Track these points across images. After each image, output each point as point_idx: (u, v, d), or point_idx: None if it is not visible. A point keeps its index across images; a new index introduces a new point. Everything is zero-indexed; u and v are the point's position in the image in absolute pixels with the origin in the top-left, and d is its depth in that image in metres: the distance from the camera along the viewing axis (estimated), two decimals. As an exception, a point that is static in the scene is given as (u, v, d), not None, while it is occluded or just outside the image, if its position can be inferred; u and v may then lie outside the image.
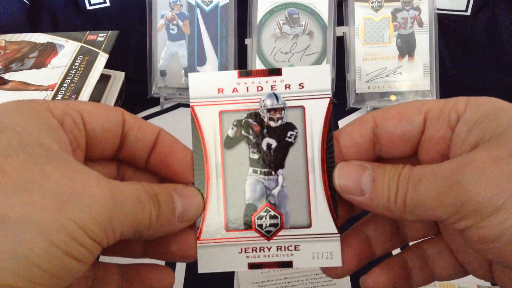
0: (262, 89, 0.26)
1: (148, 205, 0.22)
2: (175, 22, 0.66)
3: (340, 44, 0.67)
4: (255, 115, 0.26)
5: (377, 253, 0.27)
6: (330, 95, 0.26)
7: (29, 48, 0.61)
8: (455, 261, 0.26)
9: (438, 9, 0.68)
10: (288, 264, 0.25)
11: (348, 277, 0.43)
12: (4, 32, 0.64)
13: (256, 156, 0.26)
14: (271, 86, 0.26)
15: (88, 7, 0.76)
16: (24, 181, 0.18)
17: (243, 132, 0.26)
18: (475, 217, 0.20)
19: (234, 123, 0.26)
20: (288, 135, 0.26)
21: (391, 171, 0.23)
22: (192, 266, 0.45)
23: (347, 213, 0.27)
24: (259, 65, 0.66)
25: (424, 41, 0.65)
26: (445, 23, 0.73)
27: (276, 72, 0.26)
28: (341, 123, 0.64)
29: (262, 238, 0.25)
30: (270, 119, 0.26)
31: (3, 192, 0.17)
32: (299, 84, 0.26)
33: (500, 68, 0.71)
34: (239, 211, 0.25)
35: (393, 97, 0.65)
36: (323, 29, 0.66)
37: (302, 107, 0.26)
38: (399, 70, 0.65)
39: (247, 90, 0.26)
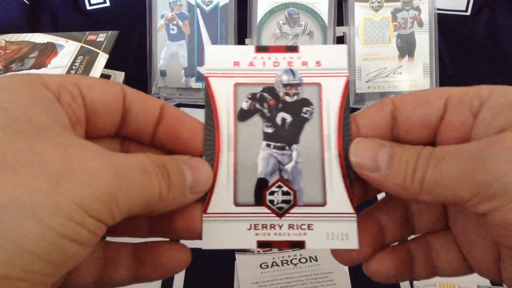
0: (278, 65, 0.26)
1: (156, 176, 0.20)
2: (175, 22, 0.66)
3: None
4: (271, 90, 0.26)
5: (387, 241, 0.27)
6: (347, 74, 0.26)
7: (29, 48, 0.61)
8: (460, 257, 0.26)
9: (438, 9, 0.68)
10: (300, 245, 0.24)
11: (348, 278, 0.43)
12: (4, 32, 0.64)
13: (270, 130, 0.25)
14: (288, 62, 0.26)
15: (88, 7, 0.76)
16: (12, 160, 0.16)
17: (257, 105, 0.25)
18: (502, 198, 0.19)
19: (249, 96, 0.25)
20: (304, 110, 0.25)
21: (410, 149, 0.22)
22: (192, 267, 0.45)
23: (361, 195, 0.26)
24: (259, 65, 0.66)
25: (424, 41, 0.65)
26: (445, 23, 0.73)
27: (294, 49, 0.26)
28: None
29: (273, 215, 0.24)
30: (286, 94, 0.25)
31: None
32: (316, 62, 0.26)
33: (500, 68, 0.71)
34: (249, 185, 0.24)
35: (393, 97, 0.65)
36: (323, 29, 0.66)
37: (319, 84, 0.25)
38: (399, 70, 0.65)
39: (264, 65, 0.26)
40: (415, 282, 0.43)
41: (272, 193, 0.24)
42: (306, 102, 0.25)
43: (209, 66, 0.26)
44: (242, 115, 0.25)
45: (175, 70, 0.67)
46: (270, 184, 0.24)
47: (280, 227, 0.24)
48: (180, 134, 0.24)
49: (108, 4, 0.76)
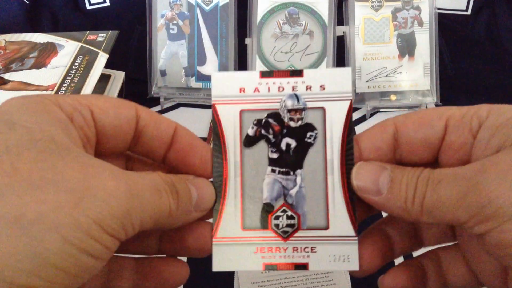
0: (283, 90, 0.26)
1: (166, 194, 0.21)
2: (175, 22, 0.66)
3: (340, 44, 0.67)
4: (276, 115, 0.26)
5: (396, 254, 0.27)
6: (351, 98, 0.26)
7: (29, 48, 0.61)
8: (469, 271, 0.26)
9: (438, 9, 0.68)
10: (303, 267, 0.25)
11: (348, 278, 0.43)
12: (4, 32, 0.64)
13: (275, 156, 0.26)
14: (292, 87, 0.26)
15: (88, 7, 0.76)
16: (37, 179, 0.18)
17: (263, 131, 0.26)
18: (495, 220, 0.19)
19: (255, 122, 0.26)
20: (308, 135, 0.26)
21: (410, 172, 0.23)
22: (192, 267, 0.45)
23: (363, 214, 0.26)
24: (259, 65, 0.66)
25: (424, 41, 0.65)
26: (445, 23, 0.73)
27: (298, 73, 0.26)
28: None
29: (279, 239, 0.25)
30: (290, 119, 0.26)
31: (16, 191, 0.17)
32: (320, 86, 0.26)
33: (500, 68, 0.71)
34: (256, 210, 0.25)
35: (393, 97, 0.65)
36: (323, 29, 0.66)
37: (323, 109, 0.26)
38: (399, 70, 0.65)
39: (268, 90, 0.26)
40: (415, 282, 0.43)
41: (277, 217, 0.25)
42: (310, 127, 0.26)
43: (215, 93, 0.26)
44: (248, 141, 0.26)
45: (175, 69, 0.67)
46: (275, 209, 0.25)
47: (285, 250, 0.25)
48: (190, 161, 0.25)
49: (108, 4, 0.76)
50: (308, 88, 0.26)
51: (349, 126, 0.25)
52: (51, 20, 0.75)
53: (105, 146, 0.23)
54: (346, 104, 0.25)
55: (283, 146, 0.26)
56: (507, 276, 0.24)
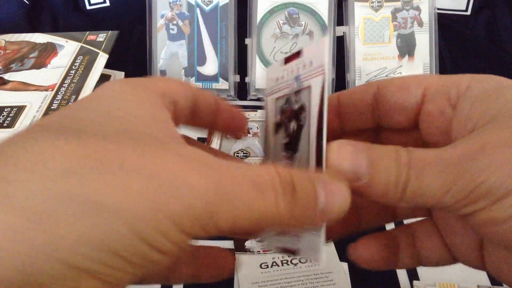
0: (293, 73, 0.26)
1: (274, 193, 0.18)
2: (175, 22, 0.66)
3: (340, 44, 0.67)
4: (288, 100, 0.26)
5: (363, 225, 0.27)
6: (324, 71, 0.23)
7: (29, 48, 0.61)
8: (443, 245, 0.26)
9: (438, 9, 0.68)
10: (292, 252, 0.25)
11: (348, 278, 0.43)
12: (4, 32, 0.64)
13: (286, 141, 0.26)
14: (297, 68, 0.26)
15: (88, 7, 0.76)
16: (118, 164, 0.16)
17: (282, 117, 0.26)
18: (484, 201, 0.19)
19: (279, 109, 0.26)
20: (301, 117, 0.25)
21: (389, 156, 0.21)
22: (192, 266, 0.45)
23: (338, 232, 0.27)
24: (259, 65, 0.66)
25: (424, 41, 0.65)
26: (445, 23, 0.73)
27: (299, 53, 0.26)
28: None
29: None
30: (295, 101, 0.26)
31: (93, 173, 0.16)
32: (310, 62, 0.24)
33: (500, 68, 0.71)
34: None
35: (393, 97, 0.65)
36: (323, 29, 0.66)
37: (309, 87, 0.24)
38: (399, 70, 0.65)
39: (287, 75, 0.26)
40: (415, 282, 0.43)
41: None
42: (303, 108, 0.25)
43: (266, 86, 0.27)
44: (275, 129, 0.27)
45: (175, 70, 0.67)
46: None
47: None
48: (233, 126, 0.26)
49: (108, 4, 0.76)
50: (304, 66, 0.25)
51: (321, 104, 0.23)
52: (51, 20, 0.75)
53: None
54: (320, 79, 0.23)
55: (290, 130, 0.26)
56: (483, 250, 0.24)
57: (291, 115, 0.25)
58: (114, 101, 0.19)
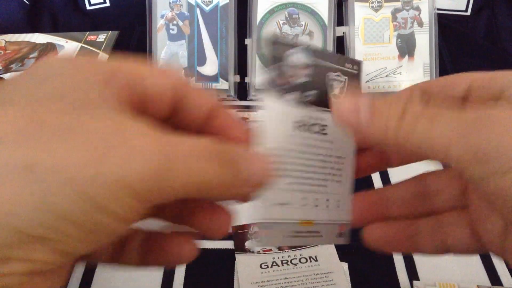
0: None
1: (213, 162, 0.19)
2: (175, 22, 0.66)
3: (340, 44, 0.67)
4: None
5: (393, 214, 0.27)
6: None
7: (29, 48, 0.61)
8: (472, 233, 0.25)
9: (438, 9, 0.68)
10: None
11: (348, 278, 0.43)
12: (4, 32, 0.64)
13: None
14: None
15: (88, 7, 0.76)
16: (59, 129, 0.16)
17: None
18: (492, 164, 0.19)
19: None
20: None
21: (397, 104, 0.22)
22: (192, 266, 0.45)
23: None
24: (259, 65, 0.66)
25: (424, 41, 0.65)
26: (445, 23, 0.73)
27: None
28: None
29: None
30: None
31: (33, 139, 0.16)
32: None
33: (499, 68, 0.71)
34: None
35: (393, 97, 0.65)
36: (323, 29, 0.66)
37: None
38: (399, 70, 0.65)
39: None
40: (415, 282, 0.43)
41: None
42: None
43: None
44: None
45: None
46: None
47: None
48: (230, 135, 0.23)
49: (108, 4, 0.76)
50: None
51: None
52: (51, 20, 0.75)
53: (144, 113, 0.21)
54: None
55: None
56: (507, 233, 0.23)
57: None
58: (51, 70, 0.19)
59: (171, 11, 0.66)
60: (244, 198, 0.22)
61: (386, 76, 0.65)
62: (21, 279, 0.16)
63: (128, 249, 0.23)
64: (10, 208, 0.15)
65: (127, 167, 0.16)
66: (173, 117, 0.23)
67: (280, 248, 0.46)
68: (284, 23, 0.66)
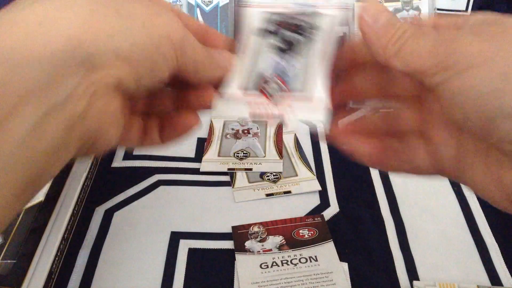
0: None
1: (205, 51, 0.27)
2: (175, 22, 0.67)
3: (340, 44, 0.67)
4: (288, 16, 0.33)
5: (359, 96, 0.32)
6: (348, 7, 0.33)
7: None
8: (430, 156, 0.27)
9: (438, 9, 0.68)
10: (281, 117, 0.29)
11: (348, 278, 0.43)
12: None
13: (281, 45, 0.31)
14: None
15: (88, 7, 0.76)
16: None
17: (276, 27, 0.32)
18: (452, 69, 0.21)
19: (270, 19, 0.32)
20: (307, 33, 0.32)
21: (403, 22, 0.25)
22: (192, 267, 0.45)
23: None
24: (259, 65, 0.66)
25: (424, 41, 0.65)
26: (445, 23, 0.73)
27: None
28: (341, 123, 0.64)
29: (265, 98, 0.30)
30: (301, 20, 0.32)
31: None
32: None
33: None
34: (251, 77, 0.30)
35: (393, 97, 0.65)
36: (323, 29, 0.66)
37: (329, 15, 0.34)
38: (399, 70, 0.65)
39: None
40: (414, 282, 0.44)
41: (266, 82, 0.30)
42: (312, 27, 0.33)
43: None
44: (261, 33, 0.33)
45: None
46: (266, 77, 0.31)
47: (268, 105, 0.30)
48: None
49: (108, 4, 0.77)
50: None
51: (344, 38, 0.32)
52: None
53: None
54: (343, 13, 0.35)
55: (287, 37, 0.32)
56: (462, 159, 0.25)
57: (294, 28, 0.31)
58: None
59: (171, 11, 0.66)
60: (215, 85, 0.29)
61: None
62: (104, 91, 0.22)
63: (150, 132, 0.30)
64: (111, 33, 0.22)
65: (170, 27, 0.24)
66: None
67: (280, 248, 0.46)
68: (284, 23, 0.66)
